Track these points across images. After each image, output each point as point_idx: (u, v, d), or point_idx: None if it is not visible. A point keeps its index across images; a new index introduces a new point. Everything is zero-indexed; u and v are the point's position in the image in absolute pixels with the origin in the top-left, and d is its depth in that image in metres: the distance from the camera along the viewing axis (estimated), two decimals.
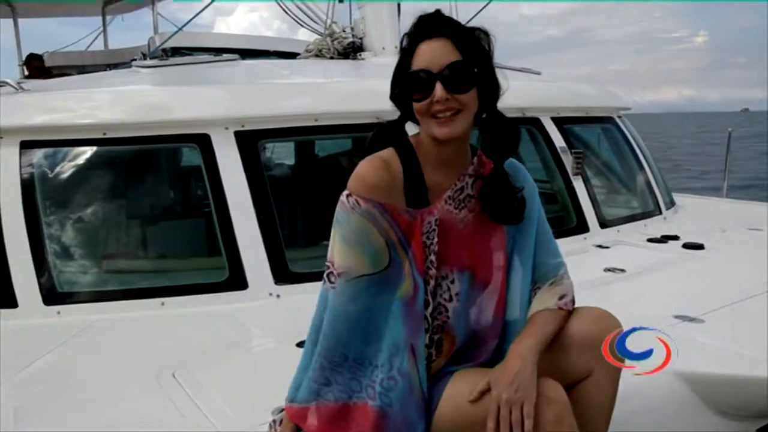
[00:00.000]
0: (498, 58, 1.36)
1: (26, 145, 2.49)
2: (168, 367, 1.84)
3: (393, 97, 1.39)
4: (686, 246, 3.02)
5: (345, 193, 1.32)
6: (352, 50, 3.87)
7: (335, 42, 3.88)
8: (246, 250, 2.44)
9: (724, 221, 3.60)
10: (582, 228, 3.21)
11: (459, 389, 1.32)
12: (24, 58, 6.60)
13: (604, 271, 2.67)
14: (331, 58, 3.87)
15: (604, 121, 3.88)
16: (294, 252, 2.60)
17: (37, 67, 6.32)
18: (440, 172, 1.37)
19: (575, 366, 1.36)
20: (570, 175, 3.27)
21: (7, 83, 2.76)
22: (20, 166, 2.45)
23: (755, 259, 2.68)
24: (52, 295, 2.33)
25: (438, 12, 1.33)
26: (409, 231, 1.33)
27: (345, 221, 1.31)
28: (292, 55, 4.66)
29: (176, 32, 4.21)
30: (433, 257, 1.35)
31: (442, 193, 1.37)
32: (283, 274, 2.46)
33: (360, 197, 1.29)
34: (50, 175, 2.54)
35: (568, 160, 3.29)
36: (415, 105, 1.31)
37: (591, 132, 3.89)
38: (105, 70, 5.31)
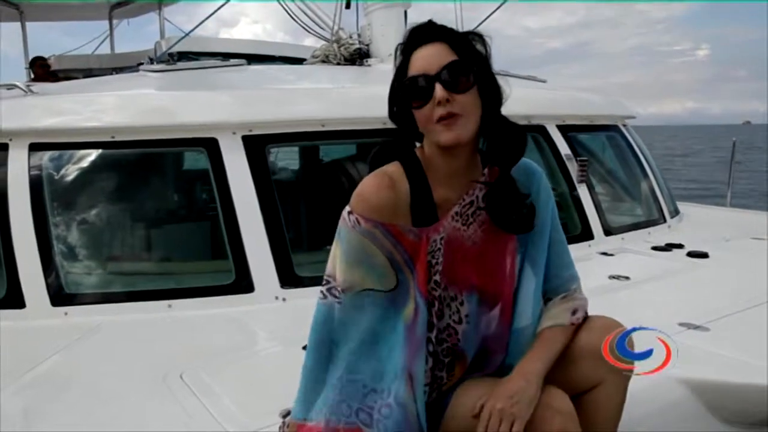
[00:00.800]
0: (501, 69, 1.34)
1: (35, 148, 2.51)
2: (175, 368, 1.85)
3: (392, 115, 1.34)
4: (690, 254, 3.03)
5: (347, 209, 1.28)
6: (358, 56, 3.89)
7: (342, 48, 3.91)
8: (252, 254, 2.46)
9: (728, 230, 3.60)
10: (586, 235, 3.22)
11: (463, 402, 1.32)
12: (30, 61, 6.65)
13: (608, 278, 2.67)
14: (338, 64, 3.89)
15: (609, 129, 3.89)
16: (300, 256, 2.62)
17: (43, 69, 6.35)
18: (449, 187, 1.32)
19: (583, 376, 1.34)
20: (575, 183, 3.28)
21: (17, 86, 2.77)
22: (29, 169, 2.47)
23: (759, 267, 2.69)
24: (60, 297, 2.34)
25: (430, 21, 1.31)
26: (414, 251, 1.28)
27: (346, 239, 1.27)
28: (298, 61, 4.68)
29: (184, 36, 4.24)
30: (437, 277, 1.31)
31: (450, 209, 1.32)
32: (289, 278, 2.47)
33: (362, 217, 1.25)
34: (58, 178, 2.55)
35: (573, 168, 3.30)
36: (417, 113, 1.27)
37: (596, 140, 3.90)
38: (111, 73, 5.35)
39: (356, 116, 2.77)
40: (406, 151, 1.34)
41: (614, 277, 2.68)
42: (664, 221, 3.71)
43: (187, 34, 4.25)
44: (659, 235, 3.49)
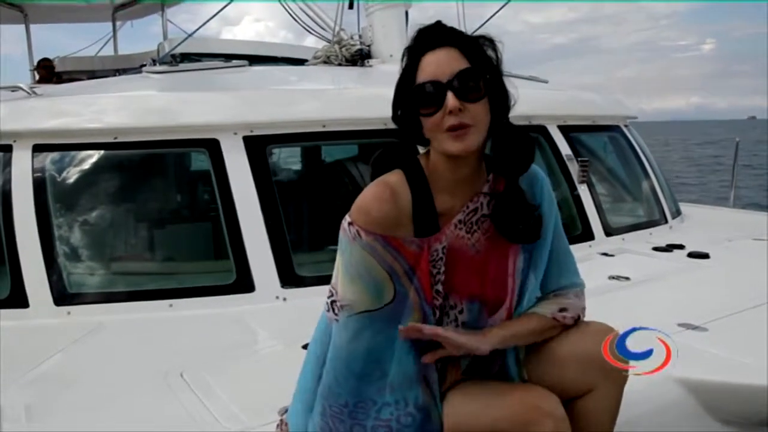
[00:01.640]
0: (505, 67, 1.30)
1: (38, 149, 2.53)
2: (176, 367, 1.86)
3: (396, 118, 1.30)
4: (691, 255, 3.02)
5: (348, 219, 1.25)
6: (360, 57, 3.89)
7: (343, 49, 3.91)
8: (253, 254, 2.47)
9: (729, 231, 3.60)
10: (587, 236, 3.22)
11: (462, 402, 1.30)
12: (35, 63, 6.68)
13: (608, 278, 2.67)
14: (339, 64, 3.90)
15: (610, 130, 3.89)
16: (300, 256, 2.63)
17: (47, 70, 6.39)
18: (452, 194, 1.29)
19: (574, 381, 1.32)
20: (576, 183, 3.29)
21: (20, 88, 2.80)
22: (32, 169, 2.49)
23: (759, 268, 2.68)
24: (63, 296, 2.36)
25: (438, 23, 1.27)
26: (416, 261, 1.26)
27: (347, 251, 1.25)
28: (300, 62, 4.70)
29: (186, 38, 4.27)
30: (439, 287, 1.28)
31: (453, 217, 1.29)
32: (289, 278, 2.48)
33: (362, 229, 1.22)
34: (61, 179, 2.57)
35: (574, 168, 3.30)
36: (425, 121, 1.23)
37: (597, 140, 3.90)
38: (114, 75, 5.38)
39: (357, 117, 2.78)
40: (409, 158, 1.31)
41: (614, 278, 2.68)
42: (666, 222, 3.70)
43: (189, 35, 4.28)
44: (660, 235, 3.49)
